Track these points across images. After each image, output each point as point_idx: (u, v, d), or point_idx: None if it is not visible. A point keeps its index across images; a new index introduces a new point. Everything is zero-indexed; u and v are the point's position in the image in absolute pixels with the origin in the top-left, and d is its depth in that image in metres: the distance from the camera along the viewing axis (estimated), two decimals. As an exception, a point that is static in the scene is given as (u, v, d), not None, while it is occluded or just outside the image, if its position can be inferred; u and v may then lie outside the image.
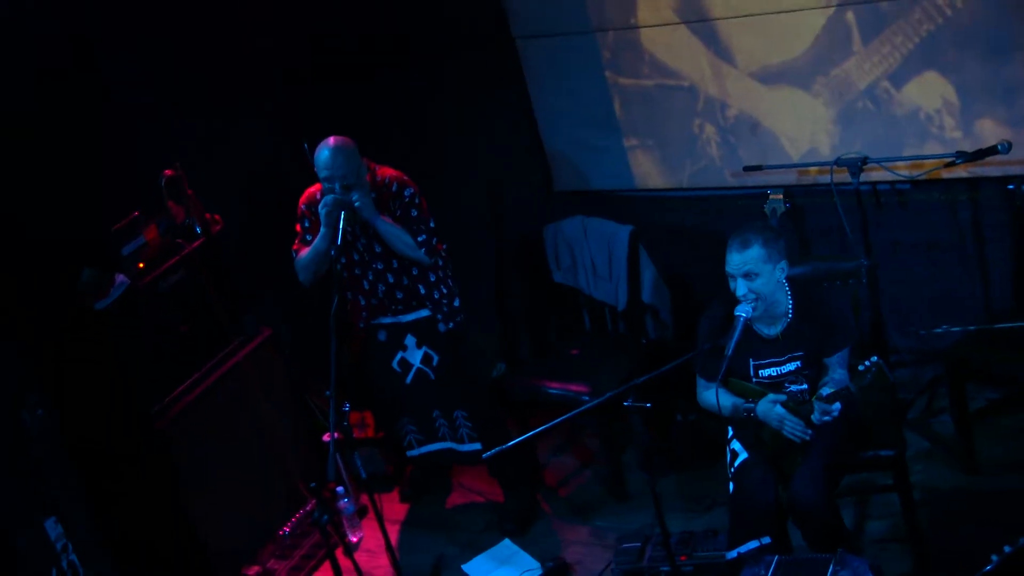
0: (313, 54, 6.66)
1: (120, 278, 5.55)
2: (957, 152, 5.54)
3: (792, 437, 4.74)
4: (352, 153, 5.50)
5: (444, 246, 5.77)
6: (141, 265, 5.66)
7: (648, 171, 6.55)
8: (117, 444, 5.69)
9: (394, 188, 5.62)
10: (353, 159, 5.50)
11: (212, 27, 6.25)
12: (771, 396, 4.78)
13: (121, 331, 5.54)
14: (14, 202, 5.33)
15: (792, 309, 4.81)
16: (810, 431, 4.72)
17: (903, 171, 5.75)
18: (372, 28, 6.70)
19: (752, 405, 4.81)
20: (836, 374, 4.78)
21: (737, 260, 4.69)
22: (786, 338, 4.83)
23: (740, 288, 4.71)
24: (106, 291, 5.50)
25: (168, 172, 5.80)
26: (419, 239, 5.60)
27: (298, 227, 5.74)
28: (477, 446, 5.95)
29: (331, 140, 5.51)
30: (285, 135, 6.32)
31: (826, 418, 4.62)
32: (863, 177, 5.69)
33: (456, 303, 5.84)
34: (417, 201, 5.63)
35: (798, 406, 4.76)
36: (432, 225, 5.65)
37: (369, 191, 5.56)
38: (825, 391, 4.61)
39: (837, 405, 4.59)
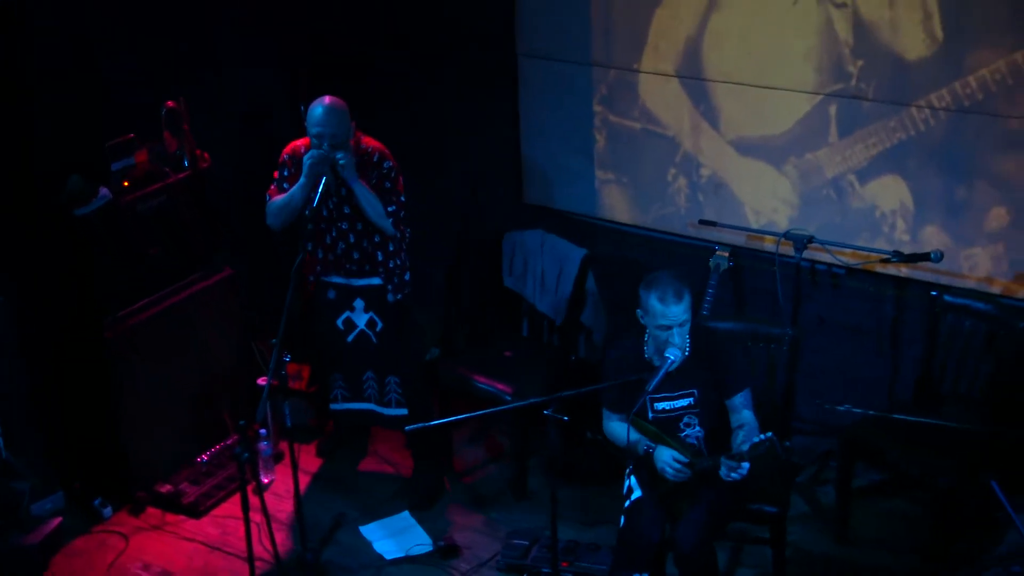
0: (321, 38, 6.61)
1: (104, 191, 5.50)
2: (894, 251, 5.61)
3: (673, 478, 4.75)
4: (344, 114, 5.45)
5: (408, 231, 5.76)
6: (126, 184, 5.62)
7: (615, 204, 6.56)
8: (65, 344, 5.66)
9: (375, 159, 5.58)
10: (345, 120, 5.44)
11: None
12: (673, 453, 4.75)
13: (94, 240, 5.48)
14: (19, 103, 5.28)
15: (689, 349, 4.83)
16: (687, 472, 4.72)
17: (842, 256, 5.81)
18: (382, 21, 6.69)
19: (652, 447, 4.81)
20: (745, 418, 4.82)
21: (678, 311, 4.70)
22: (681, 375, 4.83)
23: (676, 337, 4.72)
24: (88, 200, 5.44)
25: (170, 104, 5.75)
26: (388, 209, 5.57)
27: (276, 174, 5.68)
28: (403, 412, 5.92)
29: (326, 99, 5.44)
30: (288, 88, 6.27)
31: (734, 476, 4.61)
32: (805, 254, 5.74)
33: (407, 277, 5.81)
34: (394, 175, 5.59)
35: (695, 459, 4.75)
36: (403, 200, 5.61)
37: (355, 158, 5.52)
38: (735, 450, 4.63)
39: (746, 465, 4.59)
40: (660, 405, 4.89)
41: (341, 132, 5.44)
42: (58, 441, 5.79)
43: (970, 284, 5.63)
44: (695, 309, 4.94)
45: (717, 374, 4.87)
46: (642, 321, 4.85)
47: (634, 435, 4.84)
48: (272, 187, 5.69)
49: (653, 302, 4.73)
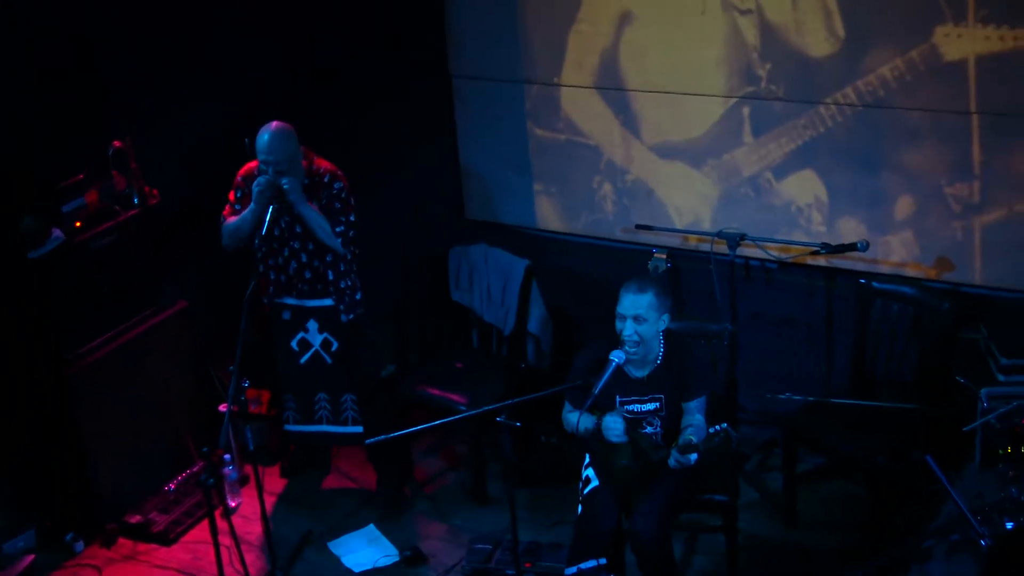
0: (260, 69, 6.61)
1: (56, 232, 5.46)
2: (822, 243, 5.70)
3: (612, 439, 4.82)
4: (289, 139, 5.45)
5: (357, 250, 5.78)
6: (78, 224, 5.58)
7: (549, 214, 6.62)
8: (28, 384, 5.61)
9: (326, 179, 5.60)
10: (289, 146, 5.45)
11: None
12: (620, 414, 4.85)
13: (49, 281, 5.45)
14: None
15: (662, 357, 4.90)
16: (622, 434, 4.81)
17: (773, 252, 5.89)
18: (318, 51, 6.70)
19: (599, 421, 4.86)
20: (695, 420, 4.87)
21: (632, 302, 4.76)
22: (651, 381, 4.91)
23: (627, 328, 4.77)
24: (42, 242, 5.41)
25: (117, 143, 5.73)
26: (337, 229, 5.59)
27: (231, 195, 5.68)
28: (359, 429, 5.92)
29: (272, 125, 5.45)
30: (231, 123, 6.26)
31: (684, 465, 4.68)
32: (738, 251, 5.82)
33: (358, 296, 5.83)
34: (344, 196, 5.60)
35: (650, 448, 4.84)
36: (352, 219, 5.63)
37: (304, 177, 5.53)
38: (682, 440, 4.69)
39: (693, 456, 4.65)
40: (630, 407, 4.94)
41: (285, 158, 5.45)
42: (26, 479, 5.74)
43: (895, 271, 5.74)
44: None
45: (682, 379, 4.93)
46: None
47: (589, 422, 4.89)
48: (226, 208, 5.68)
49: (622, 290, 4.81)
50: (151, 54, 6.01)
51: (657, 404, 4.93)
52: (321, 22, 6.61)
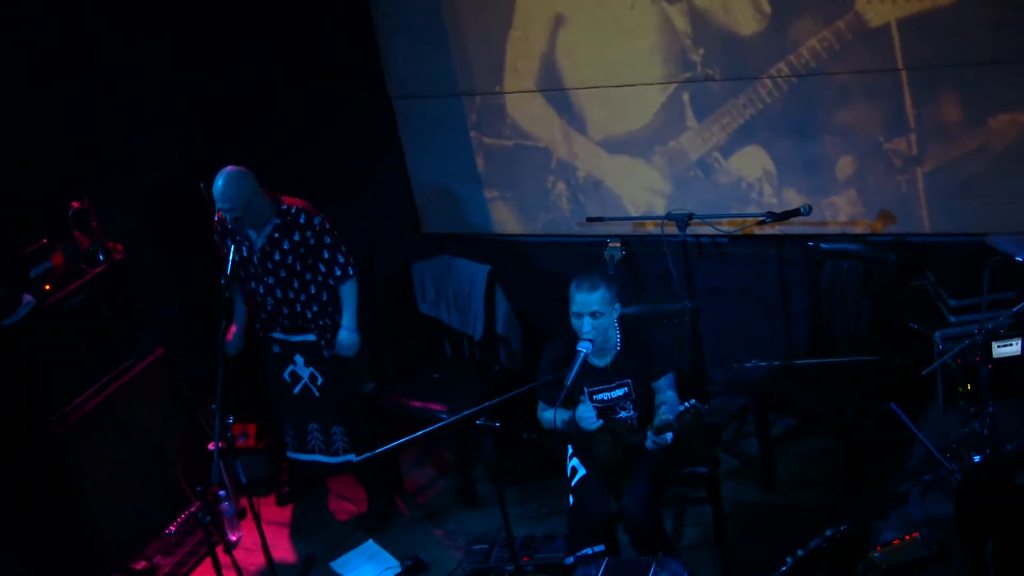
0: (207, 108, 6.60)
1: (27, 297, 5.41)
2: (767, 212, 5.76)
3: (590, 428, 4.86)
4: (243, 183, 5.38)
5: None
6: (48, 287, 5.54)
7: (506, 218, 6.65)
8: (18, 446, 5.57)
9: (302, 219, 5.54)
10: (244, 189, 5.37)
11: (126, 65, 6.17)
12: (590, 404, 4.89)
13: (26, 345, 5.41)
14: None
15: (620, 343, 4.94)
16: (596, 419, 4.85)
17: (722, 227, 5.95)
18: (265, 73, 6.70)
19: (570, 412, 4.90)
20: (667, 397, 4.91)
21: (586, 300, 4.79)
22: (614, 368, 4.95)
23: (586, 325, 4.80)
24: (14, 309, 5.36)
25: (75, 204, 5.70)
26: (340, 261, 5.63)
27: (215, 242, 5.74)
28: (350, 457, 5.91)
29: (226, 170, 5.40)
30: (184, 168, 6.25)
31: (660, 446, 4.72)
32: (689, 231, 5.85)
33: (330, 334, 5.81)
34: (328, 227, 5.59)
35: (626, 432, 4.89)
36: (344, 248, 5.66)
37: (273, 216, 5.50)
38: (657, 421, 4.72)
39: (669, 435, 4.69)
40: (599, 396, 4.98)
41: (240, 203, 5.39)
42: (26, 540, 5.67)
43: (840, 230, 5.80)
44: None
45: (644, 361, 4.96)
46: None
47: (565, 415, 4.91)
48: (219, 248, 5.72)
49: (572, 290, 4.84)
50: (94, 111, 5.99)
51: (625, 389, 4.97)
52: (259, 57, 6.60)
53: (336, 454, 5.93)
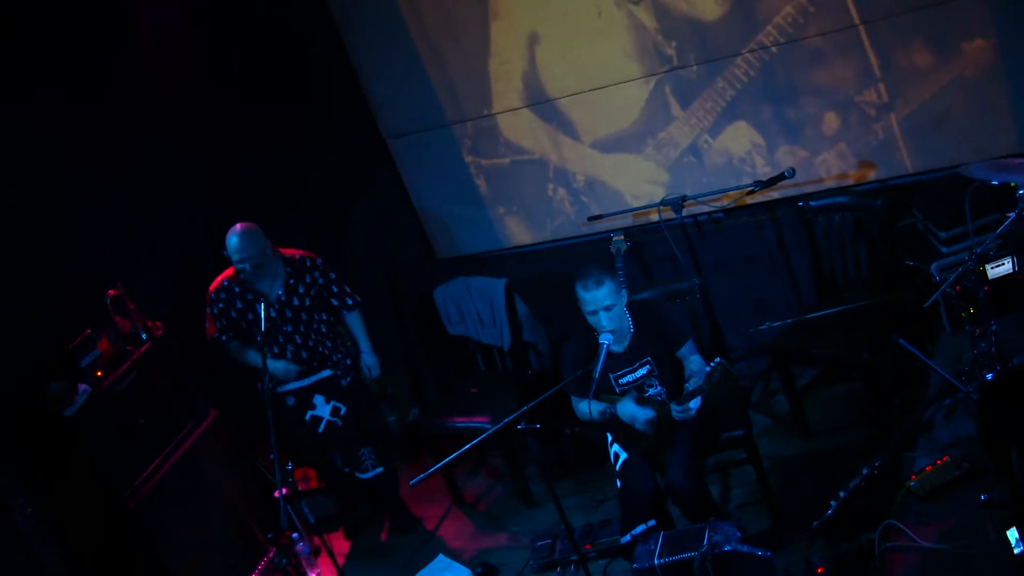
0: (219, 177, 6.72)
1: (82, 387, 5.48)
2: (755, 182, 5.78)
3: (644, 430, 4.89)
4: (257, 236, 5.52)
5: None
6: (99, 373, 5.58)
7: (516, 231, 6.70)
8: (97, 525, 5.65)
9: (307, 263, 5.71)
10: (258, 242, 5.52)
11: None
12: (628, 399, 4.92)
13: (89, 431, 5.48)
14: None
15: (633, 326, 4.98)
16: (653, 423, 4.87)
17: (715, 203, 5.97)
18: (265, 138, 6.79)
19: (613, 408, 4.95)
20: (693, 361, 4.95)
21: (596, 297, 4.82)
22: (632, 350, 4.99)
23: (603, 319, 4.83)
24: (72, 399, 5.44)
25: (111, 292, 5.78)
26: (347, 291, 5.83)
27: (208, 312, 5.75)
28: (379, 470, 6.00)
29: (238, 226, 5.52)
30: (206, 239, 6.36)
31: (688, 415, 4.76)
32: (685, 212, 5.90)
33: (348, 362, 5.91)
34: (327, 266, 5.76)
35: (661, 409, 4.92)
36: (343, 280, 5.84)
37: (285, 266, 5.64)
38: (691, 385, 4.74)
39: (696, 402, 4.72)
40: (624, 379, 5.00)
41: (257, 253, 5.52)
42: None
43: (827, 186, 5.83)
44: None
45: (661, 336, 4.99)
46: (585, 314, 4.96)
47: (599, 407, 4.96)
48: (208, 326, 5.75)
49: (580, 292, 4.87)
50: (115, 200, 6.10)
51: (648, 367, 5.00)
52: (258, 123, 6.69)
53: (366, 471, 5.99)
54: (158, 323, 5.96)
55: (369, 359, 5.97)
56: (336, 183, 6.82)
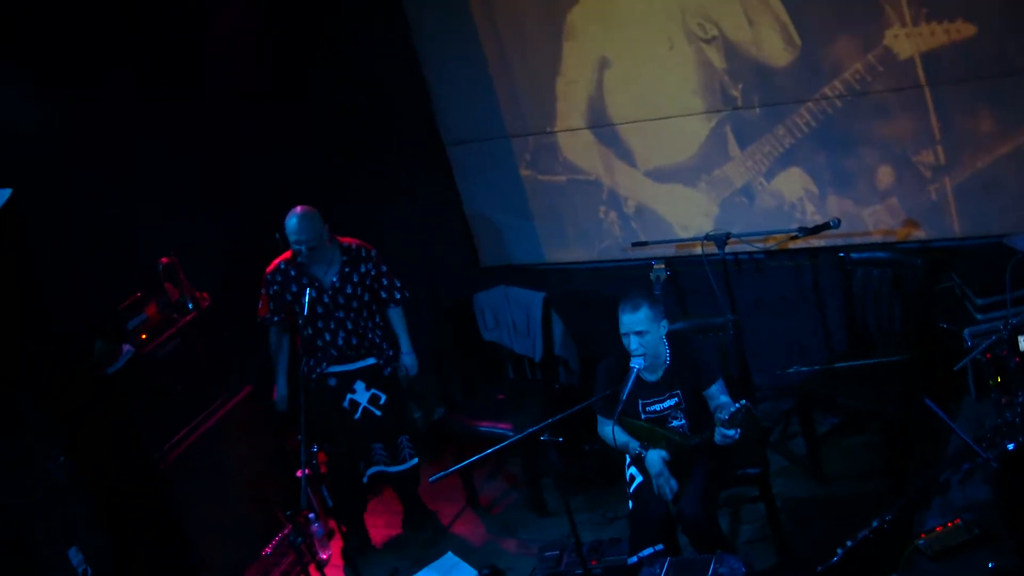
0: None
1: (126, 348, 5.59)
2: (799, 228, 5.77)
3: (660, 492, 4.87)
4: (315, 219, 5.58)
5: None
6: (143, 336, 5.70)
7: (562, 248, 6.69)
8: (126, 483, 5.67)
9: (363, 253, 5.77)
10: (316, 225, 5.58)
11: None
12: (661, 452, 4.89)
13: (128, 391, 5.57)
14: (41, 296, 5.42)
15: (669, 358, 4.97)
16: (674, 488, 4.86)
17: (758, 244, 5.97)
18: (330, 133, 6.85)
19: (643, 452, 4.93)
20: (721, 401, 4.91)
21: (630, 321, 4.83)
22: (665, 381, 4.98)
23: (632, 343, 4.84)
24: (115, 359, 5.53)
25: (164, 260, 5.86)
26: (397, 285, 5.88)
27: (263, 294, 5.80)
28: (415, 461, 6.03)
29: (298, 209, 5.58)
30: (262, 219, 6.43)
31: (728, 438, 4.68)
32: (728, 249, 5.87)
33: (391, 352, 5.95)
34: (381, 259, 5.83)
35: (681, 439, 4.92)
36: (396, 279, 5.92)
37: (335, 256, 5.70)
38: (723, 415, 4.66)
39: (736, 432, 4.67)
40: (652, 408, 5.00)
41: (315, 236, 5.58)
42: (141, 567, 5.76)
43: (870, 240, 5.80)
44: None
45: (693, 372, 4.97)
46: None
47: (624, 436, 4.96)
48: (261, 306, 5.80)
49: (619, 313, 4.88)
50: (176, 175, 6.19)
51: (676, 399, 4.99)
52: (325, 121, 6.78)
53: (403, 462, 6.02)
54: (205, 295, 6.05)
55: (408, 359, 6.00)
56: (391, 180, 6.87)
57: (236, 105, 6.46)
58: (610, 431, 4.98)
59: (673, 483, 4.87)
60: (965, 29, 5.20)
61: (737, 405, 4.62)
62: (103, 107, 5.84)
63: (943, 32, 5.25)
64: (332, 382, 5.89)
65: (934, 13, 5.24)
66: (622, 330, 4.87)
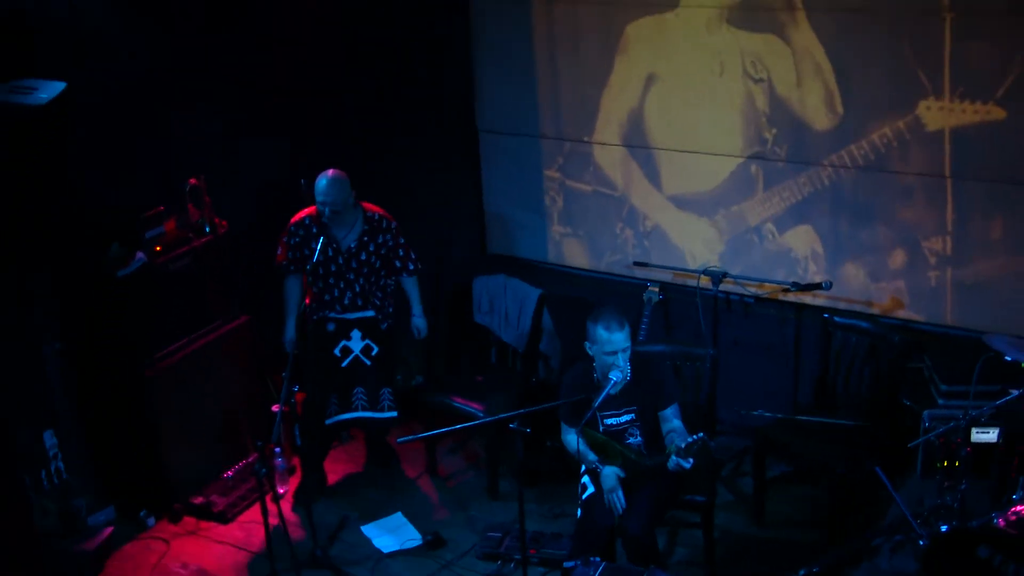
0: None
1: (139, 255, 5.61)
2: (793, 282, 5.83)
3: (610, 506, 4.88)
4: (344, 185, 5.63)
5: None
6: (158, 248, 5.72)
7: (571, 252, 6.69)
8: (112, 382, 5.75)
9: (384, 224, 5.81)
10: (344, 190, 5.63)
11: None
12: (616, 469, 4.90)
13: (133, 296, 5.61)
14: (74, 190, 5.47)
15: (630, 374, 4.94)
16: (624, 506, 4.87)
17: (751, 288, 6.02)
18: (368, 96, 6.86)
19: (599, 467, 4.94)
20: (675, 425, 4.94)
21: (620, 339, 4.83)
22: (623, 396, 4.97)
23: (620, 360, 4.85)
24: (127, 263, 5.55)
25: (193, 181, 5.89)
26: (412, 258, 5.95)
27: (283, 241, 5.83)
28: (394, 414, 6.06)
29: (329, 172, 5.63)
30: (289, 167, 6.47)
31: (683, 468, 4.72)
32: (721, 287, 5.94)
33: (391, 309, 6.00)
34: (400, 231, 5.88)
35: (638, 458, 4.94)
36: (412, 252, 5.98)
37: (363, 223, 5.75)
38: (681, 444, 4.70)
39: (690, 461, 4.70)
40: (608, 421, 5.02)
41: (340, 200, 5.62)
42: (108, 464, 5.86)
43: (856, 307, 5.84)
44: (633, 338, 5.08)
45: (653, 392, 4.99)
46: (589, 351, 4.96)
47: (584, 446, 4.96)
48: (280, 252, 5.84)
49: (600, 332, 4.86)
50: (222, 105, 6.23)
51: (632, 415, 5.02)
52: (365, 82, 6.79)
53: (382, 410, 6.05)
54: (224, 222, 6.07)
55: (420, 321, 6.11)
56: (421, 155, 6.88)
57: (295, 57, 6.50)
58: (572, 439, 5.01)
59: (624, 501, 4.89)
60: (995, 112, 5.24)
61: (694, 437, 4.65)
62: (172, 35, 5.90)
63: (973, 111, 5.28)
64: (331, 327, 5.92)
65: (968, 92, 5.28)
66: (608, 348, 4.85)
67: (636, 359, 4.98)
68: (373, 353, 5.96)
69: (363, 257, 5.80)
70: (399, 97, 6.82)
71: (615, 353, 4.85)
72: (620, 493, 4.88)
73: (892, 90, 5.45)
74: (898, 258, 5.71)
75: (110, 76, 5.56)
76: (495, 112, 6.68)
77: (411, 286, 6.06)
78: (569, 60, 6.32)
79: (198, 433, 6.06)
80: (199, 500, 6.01)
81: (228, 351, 6.16)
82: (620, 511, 4.87)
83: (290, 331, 5.95)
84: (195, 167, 5.95)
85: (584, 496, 5.04)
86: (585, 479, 5.08)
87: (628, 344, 4.86)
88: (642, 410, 5.01)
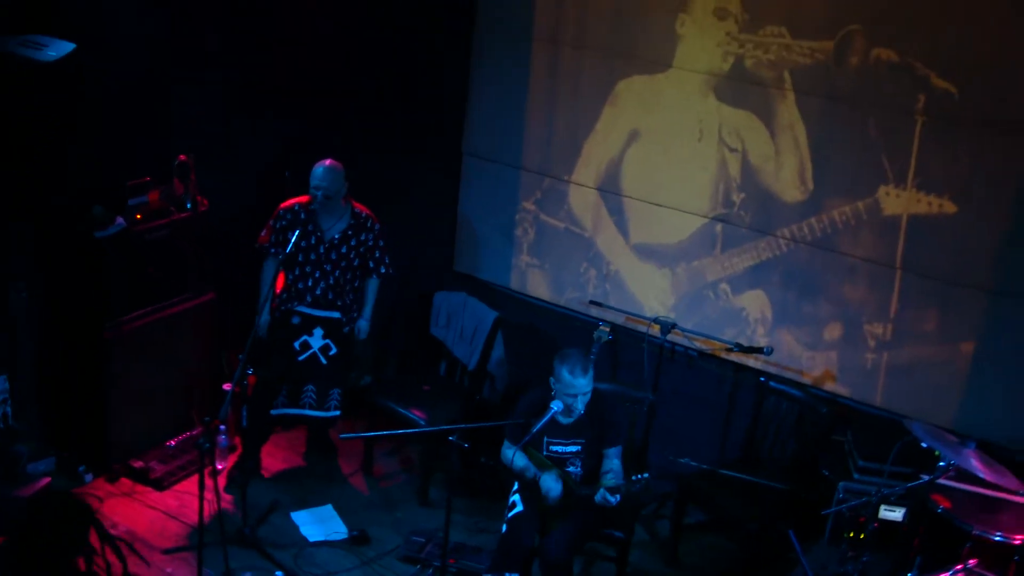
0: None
1: (119, 220, 5.61)
2: (736, 343, 5.92)
3: (550, 502, 4.96)
4: (339, 175, 5.69)
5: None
6: (138, 216, 5.72)
7: (534, 282, 6.71)
8: (72, 338, 5.74)
9: (369, 223, 5.86)
10: (338, 180, 5.68)
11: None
12: (556, 473, 4.97)
13: (106, 258, 5.60)
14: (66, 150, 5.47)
15: (584, 409, 5.04)
16: (559, 493, 4.95)
17: (697, 342, 6.09)
18: (362, 99, 6.92)
19: (539, 474, 5.02)
20: (613, 465, 5.03)
21: (583, 384, 4.91)
22: (574, 428, 5.07)
23: (579, 404, 4.93)
24: (107, 226, 5.55)
25: (182, 157, 5.91)
26: (386, 261, 5.96)
27: (269, 224, 5.84)
28: (337, 413, 6.04)
29: (327, 161, 5.67)
30: (276, 159, 6.48)
31: (609, 503, 4.83)
32: (669, 337, 6.00)
33: (355, 315, 6.03)
34: (382, 234, 5.91)
35: (574, 485, 5.00)
36: (388, 258, 5.99)
37: (349, 218, 5.80)
38: (611, 482, 4.82)
39: (618, 497, 4.81)
40: (554, 448, 5.08)
41: (334, 189, 5.67)
42: (55, 415, 5.83)
43: (790, 375, 5.94)
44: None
45: (602, 429, 5.07)
46: (553, 387, 5.02)
47: (523, 461, 5.04)
48: (264, 234, 5.85)
49: (565, 374, 4.93)
50: (217, 88, 6.25)
51: (579, 447, 5.08)
52: (368, 87, 6.83)
53: (328, 410, 6.03)
54: (205, 201, 6.09)
55: (364, 324, 6.07)
56: (405, 165, 6.89)
57: (304, 57, 6.54)
58: (511, 454, 5.06)
59: (559, 491, 4.94)
60: (947, 206, 5.37)
61: (640, 476, 4.74)
62: (194, 16, 5.93)
63: (927, 202, 5.40)
64: (295, 320, 5.93)
65: (925, 185, 5.42)
66: (569, 391, 4.91)
67: (595, 396, 5.05)
68: (331, 353, 5.96)
69: (343, 250, 5.84)
70: (395, 107, 6.84)
71: (575, 396, 4.92)
72: (559, 487, 4.93)
73: (858, 172, 5.57)
74: (836, 333, 5.81)
75: (123, 43, 5.58)
76: (481, 138, 6.72)
77: (372, 288, 6.06)
78: (563, 102, 6.38)
79: (148, 399, 6.04)
80: (138, 464, 5.99)
81: (190, 325, 6.15)
82: (556, 495, 4.93)
83: (265, 315, 5.92)
84: (190, 147, 5.96)
85: (511, 514, 5.08)
86: (515, 497, 5.12)
87: (589, 389, 4.93)
88: (588, 444, 5.07)
